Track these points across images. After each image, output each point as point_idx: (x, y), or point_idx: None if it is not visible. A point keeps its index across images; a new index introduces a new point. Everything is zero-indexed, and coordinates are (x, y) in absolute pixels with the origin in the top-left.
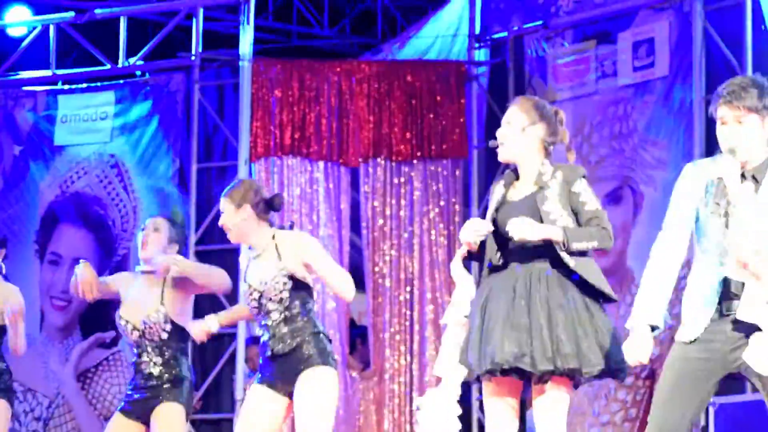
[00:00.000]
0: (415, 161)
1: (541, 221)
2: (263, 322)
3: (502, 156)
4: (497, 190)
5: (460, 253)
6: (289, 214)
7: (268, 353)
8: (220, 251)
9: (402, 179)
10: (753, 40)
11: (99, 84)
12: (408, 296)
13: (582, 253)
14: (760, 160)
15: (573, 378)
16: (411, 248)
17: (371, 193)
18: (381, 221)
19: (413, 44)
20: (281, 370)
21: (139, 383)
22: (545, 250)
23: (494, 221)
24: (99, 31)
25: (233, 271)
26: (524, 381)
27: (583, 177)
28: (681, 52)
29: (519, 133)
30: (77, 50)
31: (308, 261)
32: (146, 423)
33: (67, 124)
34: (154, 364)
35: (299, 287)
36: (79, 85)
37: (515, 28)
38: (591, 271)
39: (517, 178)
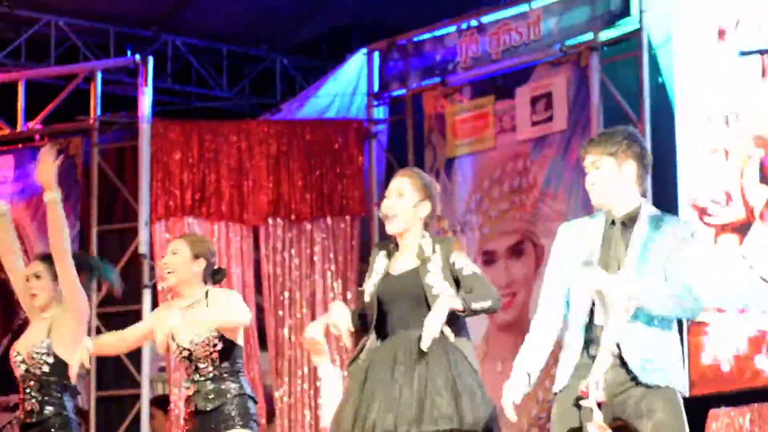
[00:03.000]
0: (315, 220)
1: (424, 294)
2: (191, 377)
3: (392, 229)
4: (379, 261)
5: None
6: None
7: (191, 409)
8: (123, 312)
9: (302, 238)
10: (650, 92)
11: None
12: (308, 354)
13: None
14: (629, 207)
15: None
16: (312, 307)
17: (272, 254)
18: (282, 281)
19: (312, 103)
20: (202, 428)
21: (23, 422)
22: (424, 319)
23: (378, 292)
24: None
25: None
26: None
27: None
28: (579, 106)
29: (410, 209)
30: None
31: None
32: None
33: None
34: (37, 401)
35: (229, 347)
36: None
37: (413, 86)
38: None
39: (397, 248)
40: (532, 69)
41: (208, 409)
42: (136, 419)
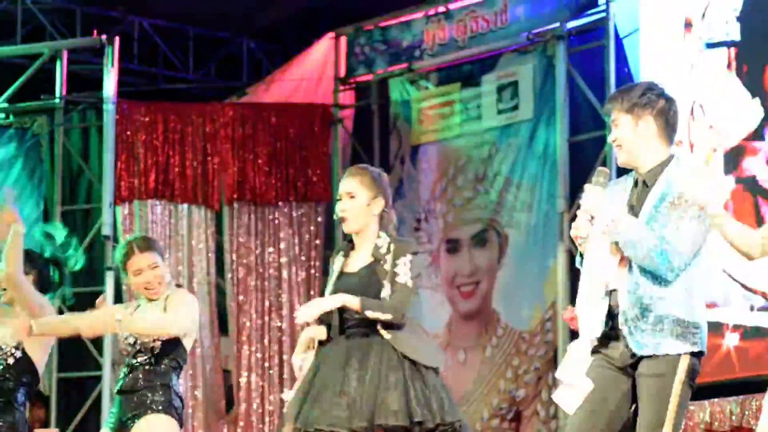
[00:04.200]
0: (279, 204)
1: (380, 293)
2: (127, 361)
3: (349, 228)
4: (337, 261)
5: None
6: None
7: (117, 387)
8: (88, 293)
9: (266, 222)
10: (616, 82)
11: None
12: (270, 339)
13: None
14: (650, 165)
15: None
16: (274, 291)
17: (235, 236)
18: (245, 264)
19: (278, 87)
20: (123, 409)
21: None
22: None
23: (335, 291)
24: None
25: None
26: None
27: (412, 254)
28: (545, 95)
29: (364, 208)
30: None
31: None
32: None
33: None
34: None
35: (173, 343)
36: None
37: (379, 71)
38: (407, 340)
39: (353, 247)
40: (498, 57)
41: (131, 389)
42: (97, 402)
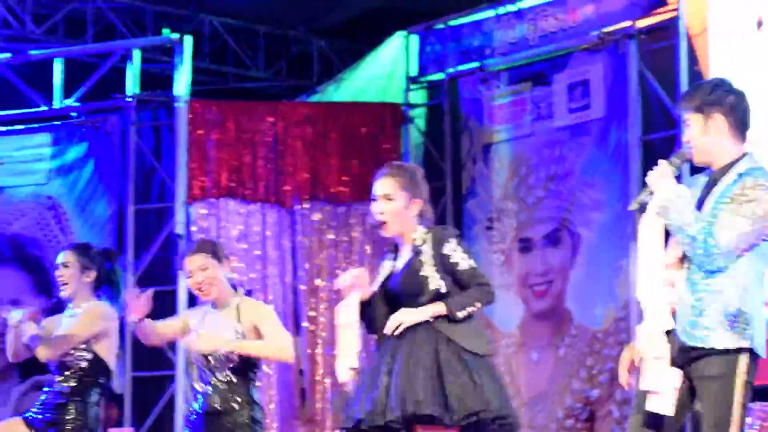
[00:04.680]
0: (351, 203)
1: (421, 286)
2: (206, 377)
3: (389, 233)
4: (385, 265)
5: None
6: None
7: (200, 407)
8: (157, 293)
9: (338, 221)
10: (688, 80)
11: (35, 125)
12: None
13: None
14: (722, 163)
15: (442, 426)
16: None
17: (308, 236)
18: (317, 264)
19: (349, 86)
20: (210, 429)
21: (47, 399)
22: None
23: (385, 292)
24: (35, 73)
25: (171, 313)
26: None
27: (455, 237)
28: (616, 94)
29: (402, 211)
30: (13, 91)
31: (261, 328)
32: None
33: (3, 166)
34: (66, 383)
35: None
36: (15, 127)
37: (451, 70)
38: (461, 330)
39: (397, 248)
40: (569, 56)
41: (219, 410)
42: (171, 401)
